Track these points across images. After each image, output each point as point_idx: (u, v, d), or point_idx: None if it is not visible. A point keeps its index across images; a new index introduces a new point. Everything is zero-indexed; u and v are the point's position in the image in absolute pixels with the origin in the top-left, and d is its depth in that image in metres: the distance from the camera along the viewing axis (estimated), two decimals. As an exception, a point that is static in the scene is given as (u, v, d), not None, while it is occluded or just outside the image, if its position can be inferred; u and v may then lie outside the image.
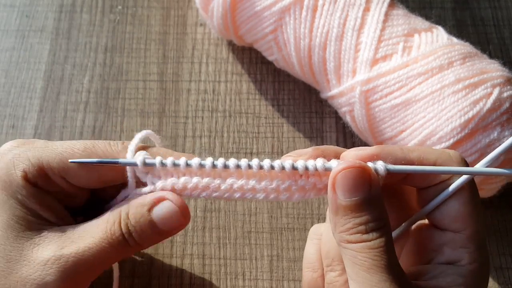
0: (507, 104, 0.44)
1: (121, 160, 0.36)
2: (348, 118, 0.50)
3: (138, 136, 0.38)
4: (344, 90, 0.48)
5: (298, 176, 0.35)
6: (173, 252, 0.49)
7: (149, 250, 0.49)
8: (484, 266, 0.34)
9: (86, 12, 0.60)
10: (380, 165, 0.34)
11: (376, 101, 0.46)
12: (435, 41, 0.46)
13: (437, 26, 0.49)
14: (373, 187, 0.32)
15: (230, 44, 0.58)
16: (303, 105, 0.55)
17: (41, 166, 0.36)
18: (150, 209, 0.36)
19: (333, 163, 0.35)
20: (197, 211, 0.50)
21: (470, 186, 0.35)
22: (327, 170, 0.34)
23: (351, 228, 0.32)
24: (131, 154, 0.37)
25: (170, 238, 0.49)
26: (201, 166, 0.36)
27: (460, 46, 0.46)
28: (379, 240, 0.32)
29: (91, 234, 0.36)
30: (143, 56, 0.58)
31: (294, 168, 0.35)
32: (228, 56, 0.58)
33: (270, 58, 0.54)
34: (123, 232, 0.36)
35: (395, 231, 0.37)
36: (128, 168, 0.37)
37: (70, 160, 0.36)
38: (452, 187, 0.34)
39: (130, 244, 0.36)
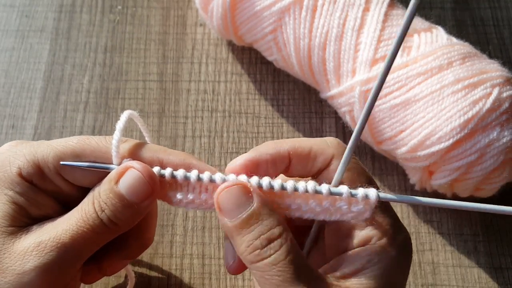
0: (506, 104, 0.44)
1: (112, 166, 0.36)
2: (347, 118, 0.50)
3: (121, 127, 0.37)
4: (344, 90, 0.48)
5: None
6: (172, 252, 0.49)
7: (149, 250, 0.49)
8: (397, 237, 0.34)
9: (86, 12, 0.60)
10: (254, 181, 0.34)
11: (376, 101, 0.46)
12: (434, 41, 0.46)
13: (436, 26, 0.49)
14: (255, 199, 0.32)
15: (230, 44, 0.58)
16: (302, 105, 0.55)
17: (36, 162, 0.36)
18: (117, 182, 0.35)
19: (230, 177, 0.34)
20: (197, 211, 0.50)
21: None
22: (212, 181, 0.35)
23: (248, 246, 0.32)
24: (115, 149, 0.36)
25: (169, 238, 0.49)
26: (186, 178, 0.35)
27: (460, 46, 0.46)
28: (278, 253, 0.31)
29: (68, 218, 0.35)
30: (143, 56, 0.58)
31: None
32: (227, 56, 0.58)
33: (269, 58, 0.54)
34: (96, 211, 0.35)
35: (310, 236, 0.37)
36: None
37: (61, 163, 0.36)
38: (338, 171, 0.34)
39: (105, 223, 0.35)
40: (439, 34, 0.47)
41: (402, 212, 0.50)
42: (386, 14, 0.47)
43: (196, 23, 0.60)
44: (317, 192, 0.33)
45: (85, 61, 0.58)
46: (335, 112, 0.54)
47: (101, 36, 0.59)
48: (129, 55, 0.58)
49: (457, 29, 0.58)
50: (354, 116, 0.48)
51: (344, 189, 0.33)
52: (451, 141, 0.43)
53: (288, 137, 0.54)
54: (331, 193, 0.33)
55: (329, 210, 0.34)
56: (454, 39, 0.47)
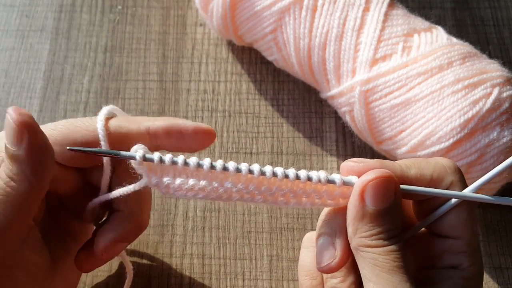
0: (506, 104, 0.44)
1: (122, 153, 0.35)
2: (347, 118, 0.50)
3: (104, 112, 0.38)
4: (344, 90, 0.48)
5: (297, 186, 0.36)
6: (172, 252, 0.49)
7: (149, 250, 0.49)
8: (481, 267, 0.36)
9: (86, 12, 0.60)
10: None
11: (376, 101, 0.46)
12: (434, 41, 0.46)
13: (436, 26, 0.49)
14: (397, 196, 0.34)
15: (230, 44, 0.58)
16: (302, 105, 0.55)
17: None
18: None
19: (338, 178, 0.35)
20: (197, 211, 0.50)
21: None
22: (330, 182, 0.35)
23: (375, 234, 0.33)
24: (100, 124, 0.37)
25: (169, 238, 0.49)
26: (199, 166, 0.35)
27: (460, 46, 0.46)
28: (397, 245, 0.33)
29: None
30: (142, 56, 0.58)
31: (297, 177, 0.35)
32: (227, 56, 0.58)
33: (269, 58, 0.54)
34: (1, 178, 0.34)
35: None
36: (104, 159, 0.38)
37: (68, 148, 0.36)
38: (454, 200, 0.35)
39: (6, 184, 0.34)
40: (439, 34, 0.47)
41: (402, 212, 0.50)
42: (386, 14, 0.47)
43: (196, 23, 0.60)
44: (329, 181, 0.35)
45: (85, 61, 0.58)
46: (335, 112, 0.54)
47: (101, 36, 0.59)
48: (129, 55, 0.58)
49: (457, 29, 0.58)
50: (354, 116, 0.48)
51: (321, 173, 0.35)
52: (451, 141, 0.43)
53: (288, 137, 0.54)
54: (308, 178, 0.35)
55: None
56: (454, 39, 0.47)
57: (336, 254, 0.35)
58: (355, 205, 0.34)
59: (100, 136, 0.37)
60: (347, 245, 0.35)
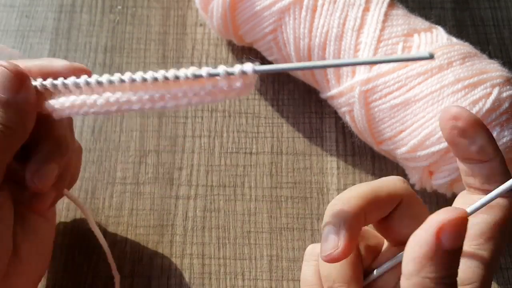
0: (506, 104, 0.44)
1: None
2: (347, 118, 0.50)
3: None
4: (344, 90, 0.48)
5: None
6: (172, 252, 0.49)
7: (149, 250, 0.49)
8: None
9: (86, 12, 0.60)
10: None
11: (376, 101, 0.46)
12: (434, 41, 0.46)
13: (436, 26, 0.49)
14: (463, 237, 0.31)
15: (230, 44, 0.58)
16: (302, 105, 0.55)
17: None
18: None
19: None
20: (197, 211, 0.50)
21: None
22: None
23: (442, 276, 0.30)
24: None
25: (169, 238, 0.49)
26: (81, 84, 0.36)
27: (460, 46, 0.46)
28: None
29: None
30: (142, 56, 0.58)
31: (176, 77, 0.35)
32: (228, 56, 0.58)
33: (269, 58, 0.54)
34: None
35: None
36: None
37: None
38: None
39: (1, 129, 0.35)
40: (439, 34, 0.47)
41: (402, 212, 0.50)
42: (386, 14, 0.47)
43: (196, 23, 0.60)
44: (196, 76, 0.34)
45: (85, 61, 0.58)
46: (335, 112, 0.54)
47: (101, 36, 0.59)
48: (129, 55, 0.58)
49: (457, 29, 0.58)
50: (354, 116, 0.48)
51: (221, 69, 0.34)
52: (451, 141, 0.43)
53: (288, 137, 0.54)
54: (210, 75, 0.34)
55: (213, 92, 0.35)
56: (454, 39, 0.47)
57: (339, 244, 0.34)
58: (426, 243, 0.30)
59: None
60: (352, 237, 0.34)
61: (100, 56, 0.58)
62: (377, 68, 0.46)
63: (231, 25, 0.52)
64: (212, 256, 0.49)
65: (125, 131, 0.54)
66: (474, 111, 0.43)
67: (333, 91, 0.49)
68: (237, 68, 0.34)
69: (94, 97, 0.36)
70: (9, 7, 0.61)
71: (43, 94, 0.37)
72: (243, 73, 0.34)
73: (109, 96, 0.35)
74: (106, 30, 0.59)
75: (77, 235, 0.49)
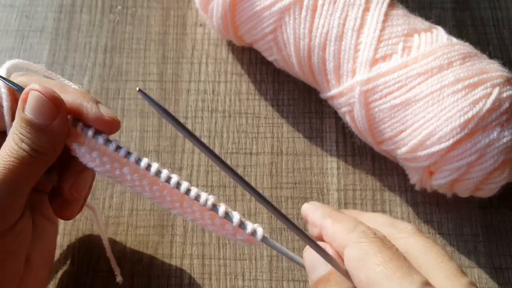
0: (506, 104, 0.44)
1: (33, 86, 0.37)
2: (347, 119, 0.50)
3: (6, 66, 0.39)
4: (344, 90, 0.48)
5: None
6: (172, 252, 0.49)
7: (149, 251, 0.49)
8: None
9: (85, 13, 0.60)
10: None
11: (376, 101, 0.46)
12: (434, 41, 0.46)
13: (436, 26, 0.49)
14: (328, 265, 0.34)
15: (230, 44, 0.58)
16: (302, 105, 0.55)
17: None
18: (24, 109, 0.36)
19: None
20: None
21: None
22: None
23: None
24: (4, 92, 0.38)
25: (169, 238, 0.49)
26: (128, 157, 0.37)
27: (460, 46, 0.46)
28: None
29: None
30: (142, 57, 0.58)
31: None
32: (227, 56, 0.58)
33: (269, 59, 0.54)
34: (16, 143, 0.36)
35: None
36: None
37: None
38: None
39: (29, 153, 0.36)
40: (439, 34, 0.47)
41: (403, 212, 0.50)
42: (386, 14, 0.47)
43: (196, 23, 0.60)
44: (212, 209, 0.36)
45: (85, 61, 0.58)
46: (335, 112, 0.53)
47: (101, 36, 0.59)
48: (129, 55, 0.58)
49: (457, 29, 0.58)
50: (354, 117, 0.48)
51: (236, 218, 0.36)
52: (451, 141, 0.43)
53: (288, 138, 0.54)
54: (224, 216, 0.36)
55: (218, 227, 0.36)
56: (454, 39, 0.47)
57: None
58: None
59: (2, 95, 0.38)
60: None
61: (100, 56, 0.58)
62: (377, 68, 0.46)
63: (231, 25, 0.52)
64: (212, 257, 0.49)
65: (126, 131, 0.54)
66: (474, 111, 0.43)
67: (333, 91, 0.49)
68: (249, 227, 0.36)
69: (116, 167, 0.37)
70: (9, 7, 0.61)
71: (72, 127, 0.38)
72: (252, 234, 0.36)
73: (130, 175, 0.37)
74: (106, 30, 0.59)
75: (77, 235, 0.49)
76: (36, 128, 0.36)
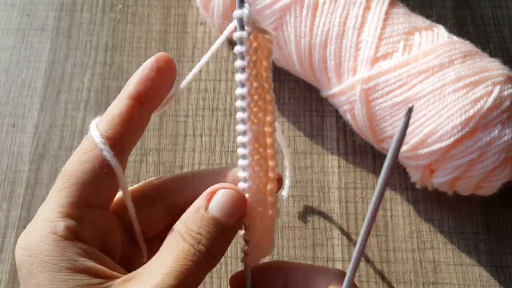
0: (507, 102, 0.44)
1: None
2: (348, 117, 0.50)
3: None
4: (345, 89, 0.48)
5: None
6: (173, 250, 0.49)
7: (150, 249, 0.49)
8: None
9: (86, 11, 0.60)
10: None
11: (377, 100, 0.46)
12: (435, 39, 0.46)
13: (437, 24, 0.49)
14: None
15: (231, 43, 0.58)
16: (303, 103, 0.55)
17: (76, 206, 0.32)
18: (206, 208, 0.32)
19: None
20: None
21: None
22: None
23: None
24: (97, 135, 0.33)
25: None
26: None
27: (461, 45, 0.46)
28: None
29: (161, 263, 0.31)
30: (143, 55, 0.58)
31: None
32: (228, 55, 0.58)
33: (270, 57, 0.54)
34: (192, 244, 0.32)
35: None
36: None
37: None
38: None
39: (204, 255, 0.32)
40: (440, 33, 0.47)
41: (403, 210, 0.50)
42: (387, 13, 0.47)
43: (197, 21, 0.60)
44: None
45: (85, 59, 0.58)
46: (336, 111, 0.54)
47: (101, 34, 0.59)
48: (130, 53, 0.58)
49: (458, 28, 0.58)
50: (354, 115, 0.48)
51: None
52: (452, 139, 0.43)
53: (288, 136, 0.54)
54: None
55: None
56: (455, 38, 0.47)
57: None
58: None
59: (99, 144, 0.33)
60: None
61: (100, 55, 0.58)
62: (378, 67, 0.46)
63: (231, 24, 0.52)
64: (213, 255, 0.49)
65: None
66: (475, 109, 0.43)
67: (334, 90, 0.49)
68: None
69: None
70: (10, 5, 0.61)
71: None
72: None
73: None
74: (107, 28, 0.59)
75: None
76: (220, 230, 0.32)
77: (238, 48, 0.33)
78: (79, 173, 0.32)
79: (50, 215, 0.31)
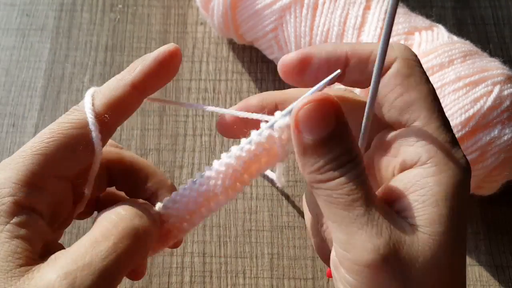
0: (507, 102, 0.44)
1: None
2: (348, 117, 0.50)
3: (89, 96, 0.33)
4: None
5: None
6: (173, 250, 0.49)
7: (150, 249, 0.49)
8: (453, 153, 0.29)
9: (86, 11, 0.60)
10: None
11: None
12: (435, 39, 0.46)
13: (437, 24, 0.49)
14: (339, 117, 0.29)
15: (231, 42, 0.58)
16: (303, 103, 0.55)
17: (28, 179, 0.31)
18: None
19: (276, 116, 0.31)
20: (198, 210, 0.50)
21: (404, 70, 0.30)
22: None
23: (323, 166, 0.29)
24: (89, 111, 0.32)
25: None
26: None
27: (461, 45, 0.46)
28: (352, 173, 0.29)
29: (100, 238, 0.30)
30: (143, 55, 0.58)
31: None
32: (228, 54, 0.58)
33: (270, 57, 0.54)
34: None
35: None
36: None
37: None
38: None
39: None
40: (440, 32, 0.47)
41: (403, 210, 0.50)
42: (387, 12, 0.47)
43: (197, 21, 0.60)
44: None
45: (85, 59, 0.58)
46: (336, 111, 0.53)
47: (101, 34, 0.59)
48: (130, 53, 0.58)
49: (458, 28, 0.58)
50: (355, 115, 0.48)
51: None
52: (452, 139, 0.43)
53: (289, 136, 0.54)
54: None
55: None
56: (455, 37, 0.47)
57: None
58: (293, 138, 0.29)
59: (90, 124, 0.32)
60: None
61: (100, 55, 0.58)
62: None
63: (231, 23, 0.52)
64: (213, 255, 0.49)
65: (126, 129, 0.54)
66: (475, 108, 0.43)
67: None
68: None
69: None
70: (10, 5, 0.61)
71: None
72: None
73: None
74: (107, 28, 0.59)
75: (78, 233, 0.49)
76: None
77: (266, 132, 0.32)
78: (57, 145, 0.31)
79: (7, 183, 0.30)
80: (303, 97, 0.29)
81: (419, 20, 0.48)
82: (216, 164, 0.32)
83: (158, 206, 0.33)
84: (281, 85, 0.56)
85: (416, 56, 0.31)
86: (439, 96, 0.44)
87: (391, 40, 0.46)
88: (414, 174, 0.29)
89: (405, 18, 0.48)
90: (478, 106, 0.43)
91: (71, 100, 0.55)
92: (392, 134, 0.31)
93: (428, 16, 0.50)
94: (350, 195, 0.28)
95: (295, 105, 0.29)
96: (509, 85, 0.44)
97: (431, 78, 0.44)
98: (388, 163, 0.31)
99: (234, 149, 0.32)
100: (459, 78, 0.44)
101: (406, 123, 0.30)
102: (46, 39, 0.59)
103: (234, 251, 0.49)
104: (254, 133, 0.32)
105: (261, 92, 0.56)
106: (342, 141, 0.29)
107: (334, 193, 0.29)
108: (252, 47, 0.57)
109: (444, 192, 0.28)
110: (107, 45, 0.58)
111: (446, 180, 0.28)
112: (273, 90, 0.56)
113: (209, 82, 0.56)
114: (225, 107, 0.55)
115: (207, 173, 0.32)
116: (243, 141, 0.32)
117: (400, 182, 0.29)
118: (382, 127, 0.32)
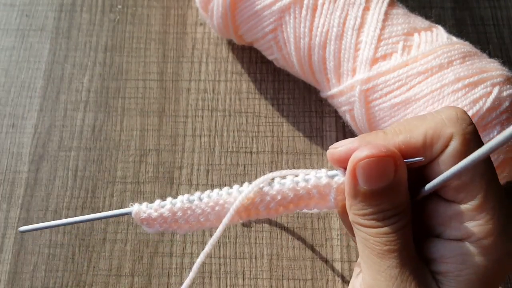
0: (506, 103, 0.44)
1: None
2: (347, 117, 0.50)
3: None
4: (344, 89, 0.48)
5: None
6: (173, 251, 0.49)
7: (149, 249, 0.49)
8: (503, 240, 0.29)
9: (86, 12, 0.60)
10: None
11: (376, 100, 0.46)
12: (434, 40, 0.46)
13: (437, 25, 0.49)
14: (398, 174, 0.30)
15: (230, 43, 0.58)
16: (303, 104, 0.55)
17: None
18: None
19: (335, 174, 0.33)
20: (197, 210, 0.50)
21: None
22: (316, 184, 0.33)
23: (368, 214, 0.30)
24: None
25: (170, 237, 0.49)
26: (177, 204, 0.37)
27: (460, 45, 0.46)
28: (395, 226, 0.29)
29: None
30: (143, 56, 0.58)
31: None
32: (228, 55, 0.58)
33: (270, 58, 0.54)
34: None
35: None
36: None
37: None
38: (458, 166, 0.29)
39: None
40: (439, 33, 0.47)
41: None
42: (386, 13, 0.47)
43: (196, 22, 0.60)
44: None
45: (85, 60, 0.58)
46: (335, 111, 0.54)
47: (101, 35, 0.59)
48: (129, 54, 0.58)
49: (457, 29, 0.58)
50: (354, 115, 0.48)
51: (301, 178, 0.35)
52: (451, 140, 0.43)
53: (288, 137, 0.54)
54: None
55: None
56: (454, 38, 0.47)
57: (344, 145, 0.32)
58: (347, 182, 0.30)
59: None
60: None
61: (100, 55, 0.58)
62: (377, 67, 0.46)
63: (231, 24, 0.52)
64: (213, 255, 0.49)
65: (126, 130, 0.54)
66: (474, 110, 0.43)
67: (334, 90, 0.49)
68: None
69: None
70: (9, 6, 0.61)
71: None
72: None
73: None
74: (106, 29, 0.59)
75: (77, 233, 0.49)
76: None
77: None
78: None
79: None
80: (367, 147, 0.30)
81: (418, 21, 0.48)
82: (276, 185, 0.36)
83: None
84: (280, 86, 0.56)
85: (471, 123, 0.31)
86: (438, 97, 0.44)
87: (394, 44, 0.46)
88: (463, 248, 0.30)
89: (404, 19, 0.48)
90: (477, 107, 0.43)
91: (70, 100, 0.55)
92: (446, 205, 0.31)
93: (427, 16, 0.50)
94: (387, 245, 0.29)
95: (356, 153, 0.30)
96: (508, 86, 0.44)
97: (430, 79, 0.44)
98: (433, 226, 0.32)
99: (289, 180, 0.35)
100: (458, 79, 0.44)
101: (461, 201, 0.30)
102: (45, 39, 0.59)
103: (233, 251, 0.49)
104: (312, 174, 0.34)
105: (260, 93, 0.56)
106: (394, 196, 0.30)
107: (371, 239, 0.30)
108: (252, 47, 0.57)
109: (482, 279, 0.29)
110: (107, 46, 0.59)
111: (488, 264, 0.29)
112: (272, 90, 0.56)
113: (208, 83, 0.56)
114: (225, 108, 0.55)
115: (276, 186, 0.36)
116: (301, 177, 0.35)
117: (446, 248, 0.30)
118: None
